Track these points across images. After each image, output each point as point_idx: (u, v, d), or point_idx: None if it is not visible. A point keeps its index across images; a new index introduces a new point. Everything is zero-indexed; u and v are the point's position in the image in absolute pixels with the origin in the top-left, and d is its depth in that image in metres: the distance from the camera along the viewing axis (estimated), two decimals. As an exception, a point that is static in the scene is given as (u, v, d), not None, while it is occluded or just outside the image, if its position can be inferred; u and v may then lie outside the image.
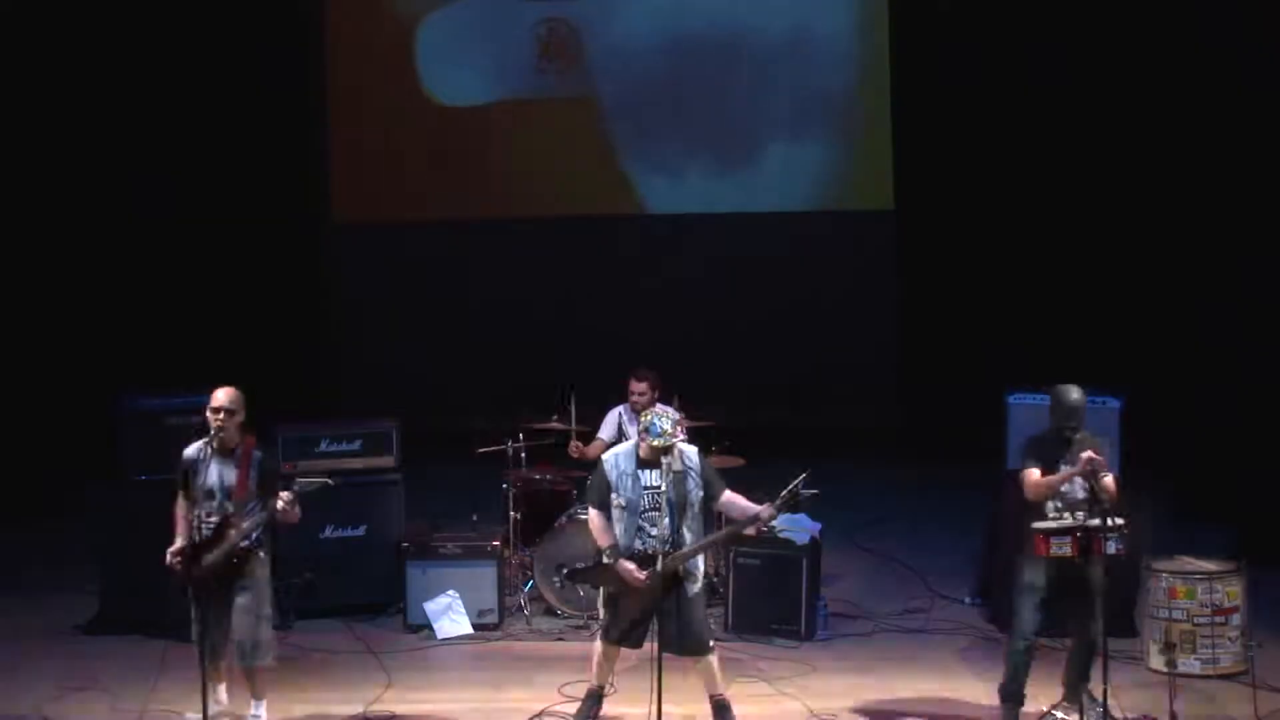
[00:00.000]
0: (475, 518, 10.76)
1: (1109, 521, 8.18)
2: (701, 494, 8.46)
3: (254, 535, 8.50)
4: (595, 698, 8.79)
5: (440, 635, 10.13)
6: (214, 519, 8.42)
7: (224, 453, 8.49)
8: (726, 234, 15.60)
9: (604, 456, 8.70)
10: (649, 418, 8.42)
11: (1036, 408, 9.74)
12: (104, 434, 10.62)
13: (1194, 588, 8.69)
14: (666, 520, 8.27)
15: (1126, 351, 13.11)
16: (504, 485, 10.70)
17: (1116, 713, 8.35)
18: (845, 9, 15.57)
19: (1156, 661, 8.73)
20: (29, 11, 13.24)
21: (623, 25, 15.63)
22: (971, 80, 14.48)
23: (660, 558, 8.21)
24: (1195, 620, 8.75)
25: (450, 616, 10.18)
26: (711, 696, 8.65)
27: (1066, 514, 8.32)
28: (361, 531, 10.57)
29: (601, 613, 8.75)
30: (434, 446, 11.54)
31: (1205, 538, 10.11)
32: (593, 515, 8.57)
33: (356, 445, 10.61)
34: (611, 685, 8.96)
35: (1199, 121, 12.76)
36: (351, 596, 10.50)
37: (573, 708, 8.81)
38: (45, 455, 12.95)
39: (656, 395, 10.21)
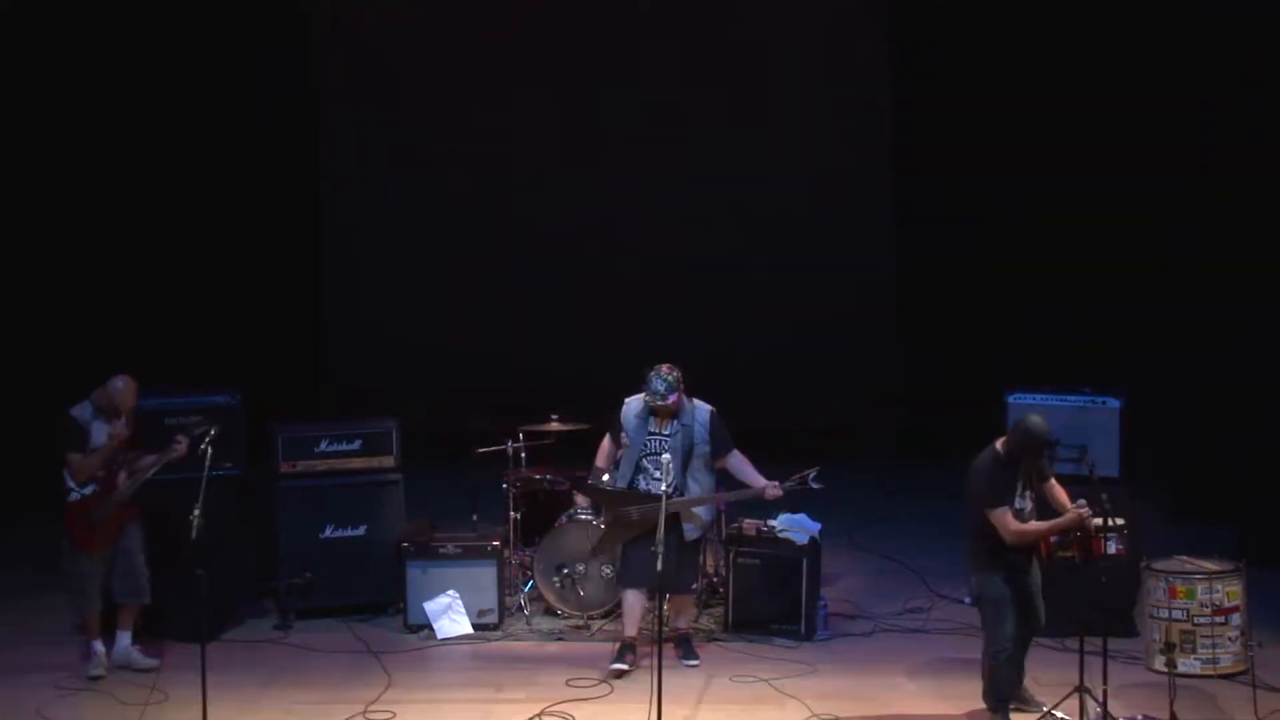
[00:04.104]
0: (475, 518, 10.76)
1: (1109, 521, 8.21)
2: (707, 449, 9.36)
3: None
4: (627, 647, 9.41)
5: (440, 635, 10.12)
6: (103, 472, 9.38)
7: (109, 415, 9.38)
8: (727, 234, 15.58)
9: (626, 400, 9.54)
10: (650, 372, 9.30)
11: (1036, 408, 9.76)
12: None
13: (1194, 588, 8.69)
14: (671, 467, 9.05)
15: (1127, 351, 13.10)
16: (504, 485, 10.71)
17: (1117, 713, 8.35)
18: (846, 7, 15.58)
19: (1156, 661, 8.73)
20: (29, 11, 13.23)
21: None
22: (972, 79, 14.46)
23: (664, 499, 8.80)
24: (1195, 620, 8.75)
25: (450, 616, 10.17)
26: (675, 629, 9.43)
27: None
28: (361, 531, 10.56)
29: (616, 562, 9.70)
30: (434, 446, 11.52)
31: (1205, 538, 10.11)
32: (602, 444, 9.67)
33: (356, 445, 10.60)
34: (610, 687, 9.04)
35: (1200, 120, 12.75)
36: (351, 596, 10.50)
37: (577, 703, 8.92)
38: (45, 455, 12.93)
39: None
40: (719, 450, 9.43)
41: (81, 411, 9.46)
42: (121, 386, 9.43)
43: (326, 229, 15.87)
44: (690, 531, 9.42)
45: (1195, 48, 12.72)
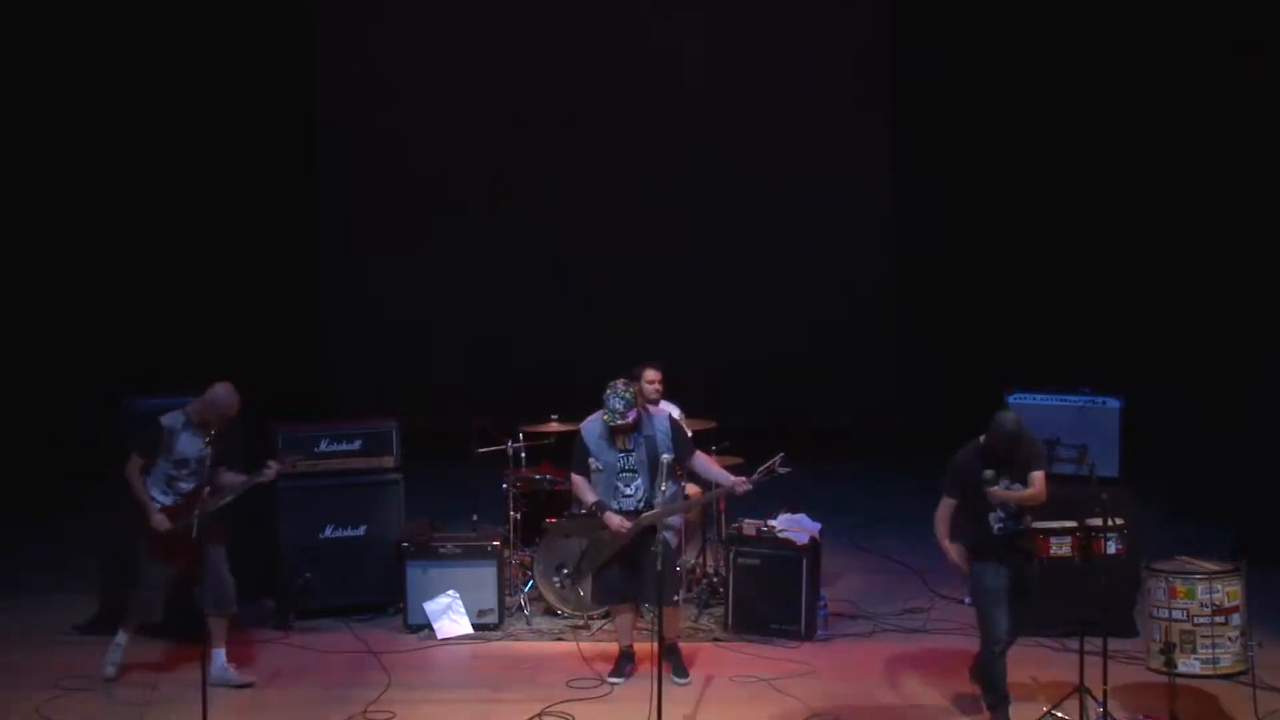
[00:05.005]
0: (475, 518, 10.77)
1: (1109, 521, 8.20)
2: (671, 456, 9.10)
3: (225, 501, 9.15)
4: (625, 656, 9.30)
5: (440, 635, 10.12)
6: (186, 485, 9.09)
7: (199, 427, 9.07)
8: (727, 235, 15.60)
9: (582, 426, 9.29)
10: (607, 392, 9.04)
11: (1036, 408, 9.78)
12: (105, 434, 10.61)
13: (1194, 588, 8.67)
14: (639, 481, 9.05)
15: (1126, 351, 13.11)
16: (504, 485, 10.71)
17: (1116, 713, 8.35)
18: (846, 11, 15.58)
19: (1156, 661, 8.72)
20: (29, 11, 13.24)
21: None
22: (971, 80, 14.48)
23: (638, 514, 8.90)
24: (1195, 620, 8.73)
25: (450, 616, 10.18)
26: (664, 638, 9.00)
27: (1010, 521, 8.36)
28: (361, 531, 10.56)
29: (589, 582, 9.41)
30: (434, 446, 11.52)
31: (1205, 538, 10.10)
32: (575, 480, 9.24)
33: (356, 445, 10.61)
34: (610, 687, 9.13)
35: (1199, 119, 12.76)
36: (351, 596, 10.50)
37: (577, 703, 8.92)
38: (46, 455, 12.95)
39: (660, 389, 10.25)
40: (682, 454, 9.20)
41: (173, 421, 9.12)
42: (223, 394, 9.09)
43: (328, 229, 15.88)
44: (671, 538, 9.25)
45: (1195, 45, 12.73)
